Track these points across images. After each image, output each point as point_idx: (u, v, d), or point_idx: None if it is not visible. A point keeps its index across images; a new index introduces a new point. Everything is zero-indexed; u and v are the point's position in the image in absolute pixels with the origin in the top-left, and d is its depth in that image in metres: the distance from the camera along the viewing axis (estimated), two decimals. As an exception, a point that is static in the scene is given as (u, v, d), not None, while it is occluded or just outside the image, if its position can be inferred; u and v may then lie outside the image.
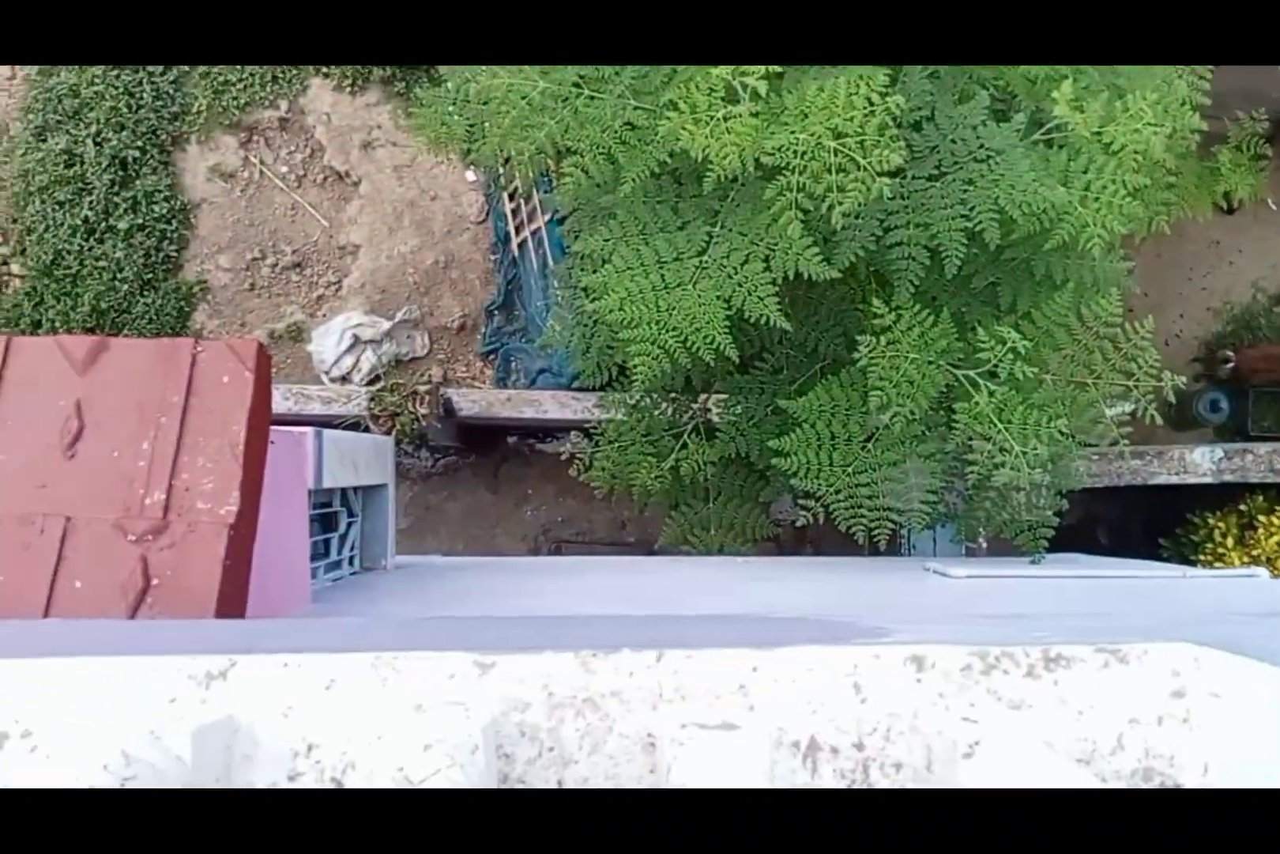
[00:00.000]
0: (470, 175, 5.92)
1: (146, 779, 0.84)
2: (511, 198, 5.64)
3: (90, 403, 1.86)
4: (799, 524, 3.38)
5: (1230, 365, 6.11)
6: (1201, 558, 5.33)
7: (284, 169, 5.86)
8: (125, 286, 5.46)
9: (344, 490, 2.81)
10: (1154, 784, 1.03)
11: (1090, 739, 1.03)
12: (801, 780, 1.00)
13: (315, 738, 0.95)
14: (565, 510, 5.72)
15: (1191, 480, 5.10)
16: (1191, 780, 1.03)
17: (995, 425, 3.14)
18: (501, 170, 5.62)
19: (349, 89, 5.87)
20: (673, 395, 4.11)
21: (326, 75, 5.85)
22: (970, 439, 3.19)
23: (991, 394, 3.16)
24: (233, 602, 1.63)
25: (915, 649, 1.03)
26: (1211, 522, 5.39)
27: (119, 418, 1.85)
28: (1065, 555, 3.76)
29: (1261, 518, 5.22)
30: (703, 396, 4.15)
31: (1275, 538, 5.09)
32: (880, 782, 1.01)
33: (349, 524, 2.70)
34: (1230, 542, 5.21)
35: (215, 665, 0.95)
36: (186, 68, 5.72)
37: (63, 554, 1.59)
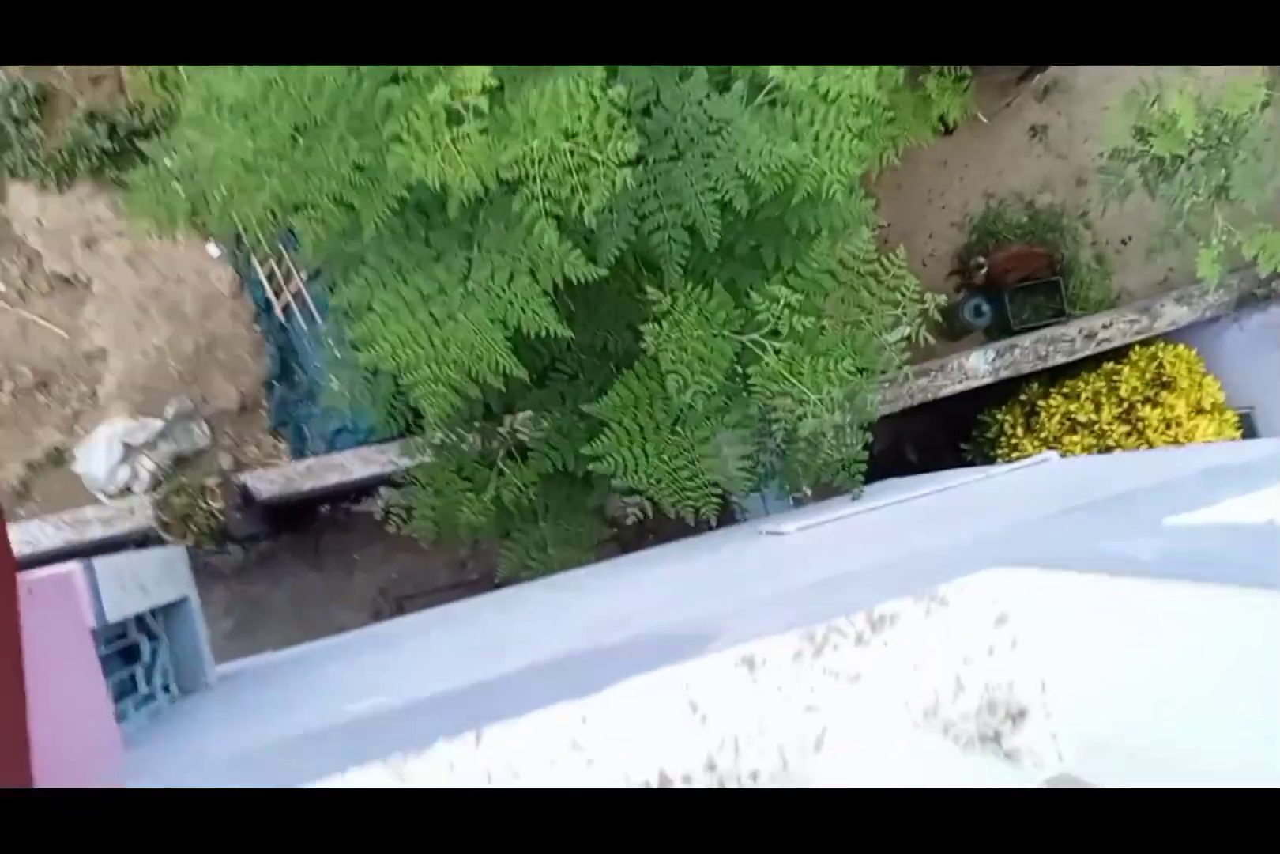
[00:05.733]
0: (213, 249, 5.57)
1: None
2: (263, 263, 5.35)
3: None
4: (629, 521, 3.35)
5: (984, 271, 6.50)
6: (1000, 452, 5.65)
7: (0, 287, 5.35)
8: None
9: (138, 617, 2.56)
10: (998, 716, 1.02)
11: (932, 690, 1.01)
12: (664, 820, 0.93)
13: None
14: (398, 566, 5.50)
15: (975, 384, 5.39)
16: (1033, 701, 1.02)
17: (788, 380, 3.20)
18: (244, 238, 5.33)
19: (54, 187, 5.40)
20: (476, 425, 4.00)
21: (24, 178, 5.36)
22: (770, 398, 3.24)
23: (778, 352, 3.22)
24: (14, 780, 1.42)
25: (744, 649, 0.98)
26: (1000, 417, 5.73)
27: None
28: (882, 483, 3.88)
29: (1040, 403, 5.59)
30: (508, 419, 4.05)
31: (1055, 418, 5.45)
32: (745, 795, 0.95)
33: (153, 650, 2.45)
34: (1020, 431, 5.54)
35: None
36: None
37: None
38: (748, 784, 0.95)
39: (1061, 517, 1.41)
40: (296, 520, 5.29)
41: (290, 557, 5.31)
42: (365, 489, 4.88)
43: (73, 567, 2.20)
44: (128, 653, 2.41)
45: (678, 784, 0.94)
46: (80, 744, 1.82)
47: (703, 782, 0.94)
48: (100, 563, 2.30)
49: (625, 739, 0.94)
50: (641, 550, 3.78)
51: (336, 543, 5.36)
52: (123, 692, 2.30)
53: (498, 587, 3.43)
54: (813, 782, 0.94)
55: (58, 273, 5.44)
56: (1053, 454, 3.35)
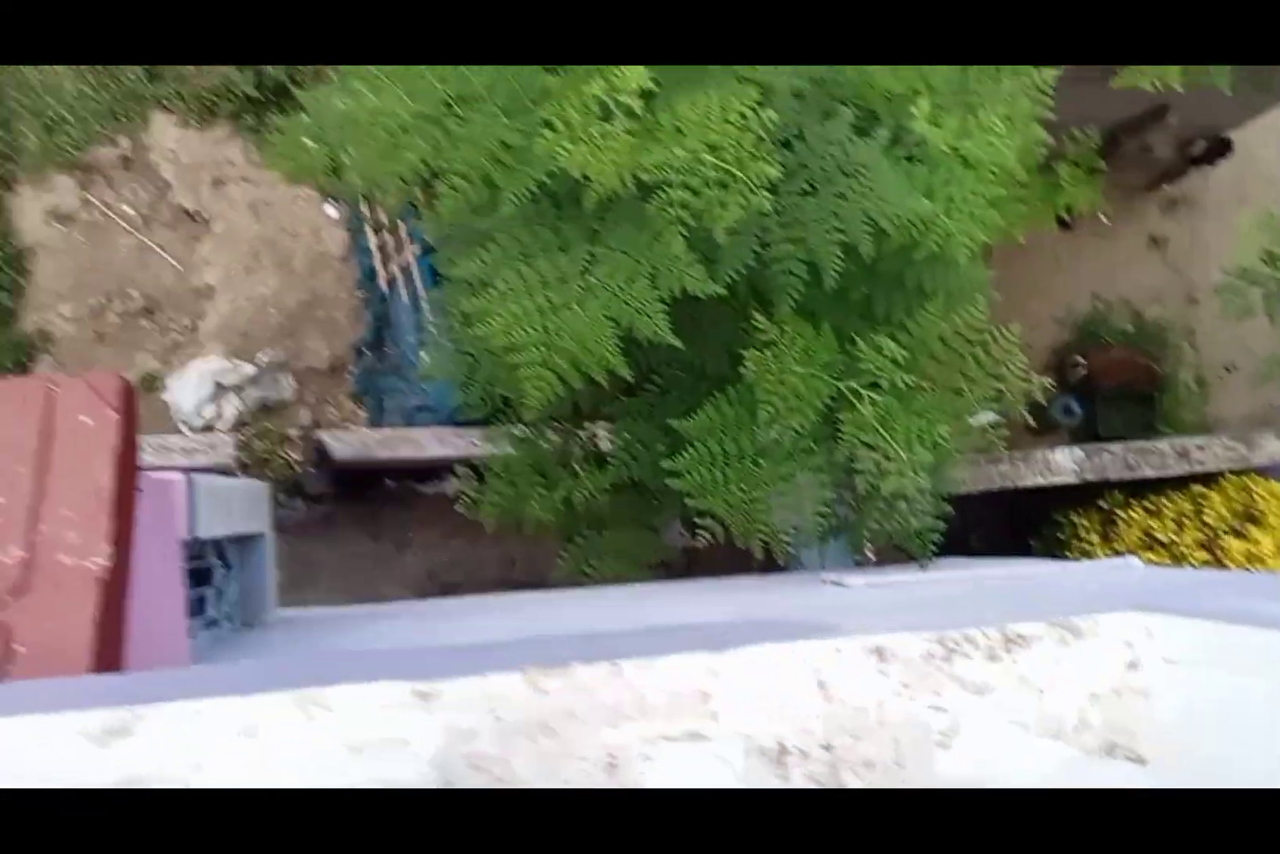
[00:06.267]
0: (331, 211, 5.75)
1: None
2: (377, 232, 5.50)
3: (-69, 453, 1.66)
4: (701, 545, 3.35)
5: (1082, 371, 6.45)
6: (1069, 554, 5.54)
7: (128, 210, 5.55)
8: (-45, 343, 5.06)
9: (218, 541, 2.62)
10: (1118, 758, 1.01)
11: (1055, 717, 1.01)
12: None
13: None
14: (450, 552, 5.54)
15: (1056, 481, 5.31)
16: (1154, 753, 1.02)
17: (880, 434, 3.20)
18: (364, 204, 5.48)
19: (195, 124, 5.63)
20: (557, 425, 4.05)
21: (169, 110, 5.60)
22: (857, 449, 3.23)
23: (874, 404, 3.22)
24: (108, 665, 1.47)
25: (876, 640, 0.99)
26: (1076, 519, 5.62)
27: (-35, 468, 1.66)
28: (947, 560, 3.83)
29: (1120, 512, 5.48)
30: (589, 425, 4.10)
31: (1134, 532, 5.34)
32: (851, 782, 0.96)
33: (225, 577, 2.51)
34: (1095, 538, 5.43)
35: (115, 720, 0.83)
36: (15, 106, 5.39)
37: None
38: (860, 772, 0.96)
39: (1194, 580, 1.40)
40: (362, 489, 5.37)
41: (349, 523, 5.38)
42: (434, 470, 4.94)
43: (176, 475, 2.27)
44: (201, 575, 2.47)
45: (794, 757, 0.95)
46: (154, 647, 1.86)
47: (818, 759, 0.95)
48: (199, 479, 2.37)
49: (751, 701, 0.95)
50: (693, 580, 3.78)
51: (396, 519, 5.42)
52: (190, 611, 2.35)
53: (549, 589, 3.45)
54: (925, 781, 0.95)
55: (183, 207, 5.64)
56: (1135, 560, 3.27)
